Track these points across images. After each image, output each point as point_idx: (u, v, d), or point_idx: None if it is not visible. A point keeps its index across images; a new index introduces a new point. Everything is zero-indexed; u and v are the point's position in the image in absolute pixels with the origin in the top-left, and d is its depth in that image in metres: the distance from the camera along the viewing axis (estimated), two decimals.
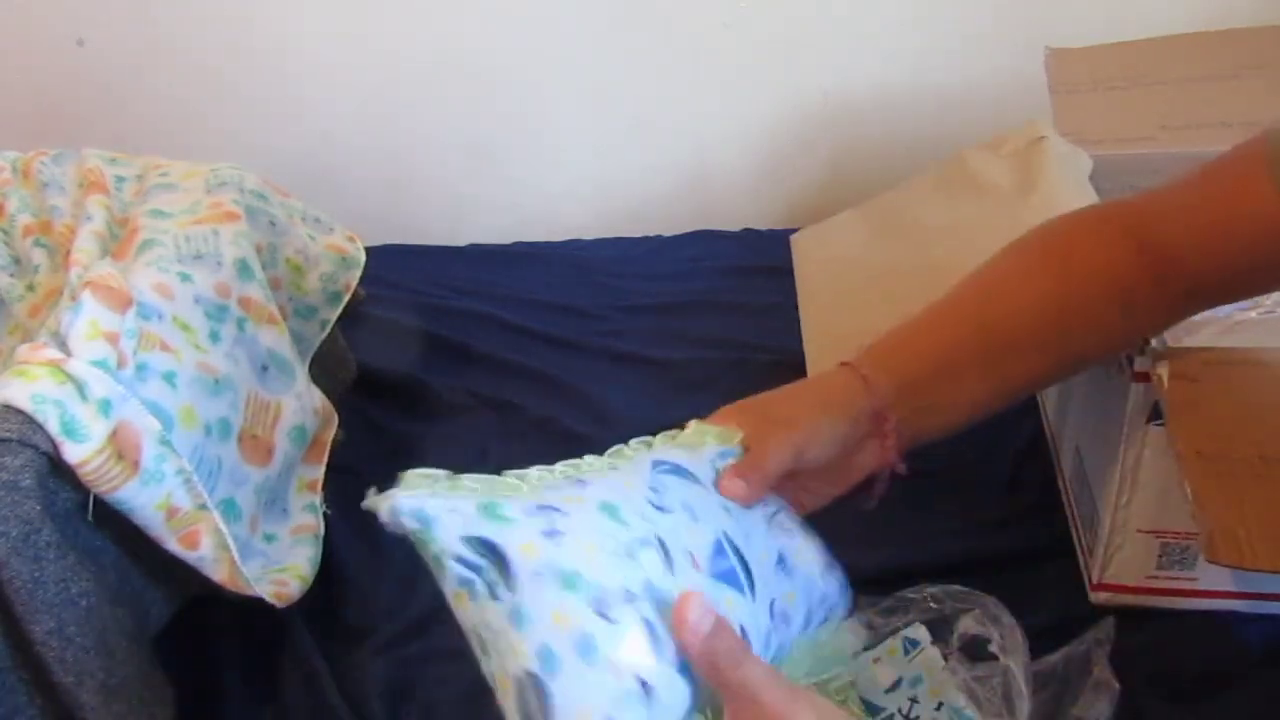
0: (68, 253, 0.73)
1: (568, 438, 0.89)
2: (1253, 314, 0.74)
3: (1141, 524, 0.68)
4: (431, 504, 0.45)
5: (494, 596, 0.43)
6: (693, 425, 0.56)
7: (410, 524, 0.45)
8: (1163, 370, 0.63)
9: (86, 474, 0.59)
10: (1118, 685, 0.61)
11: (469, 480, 0.48)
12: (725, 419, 0.57)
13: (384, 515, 0.45)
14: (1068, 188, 0.78)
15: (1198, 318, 0.75)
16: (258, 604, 0.68)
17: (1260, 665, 0.67)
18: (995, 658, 0.64)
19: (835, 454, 0.57)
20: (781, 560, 0.55)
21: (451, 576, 0.44)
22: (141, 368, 0.64)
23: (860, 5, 1.15)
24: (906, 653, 0.64)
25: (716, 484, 0.53)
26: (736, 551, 0.51)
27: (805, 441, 0.56)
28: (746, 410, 0.58)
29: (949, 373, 0.60)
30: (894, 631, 0.66)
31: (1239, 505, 0.57)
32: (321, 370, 0.85)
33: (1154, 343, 0.64)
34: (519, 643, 0.43)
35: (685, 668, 0.44)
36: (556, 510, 0.46)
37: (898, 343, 0.62)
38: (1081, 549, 0.74)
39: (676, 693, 0.44)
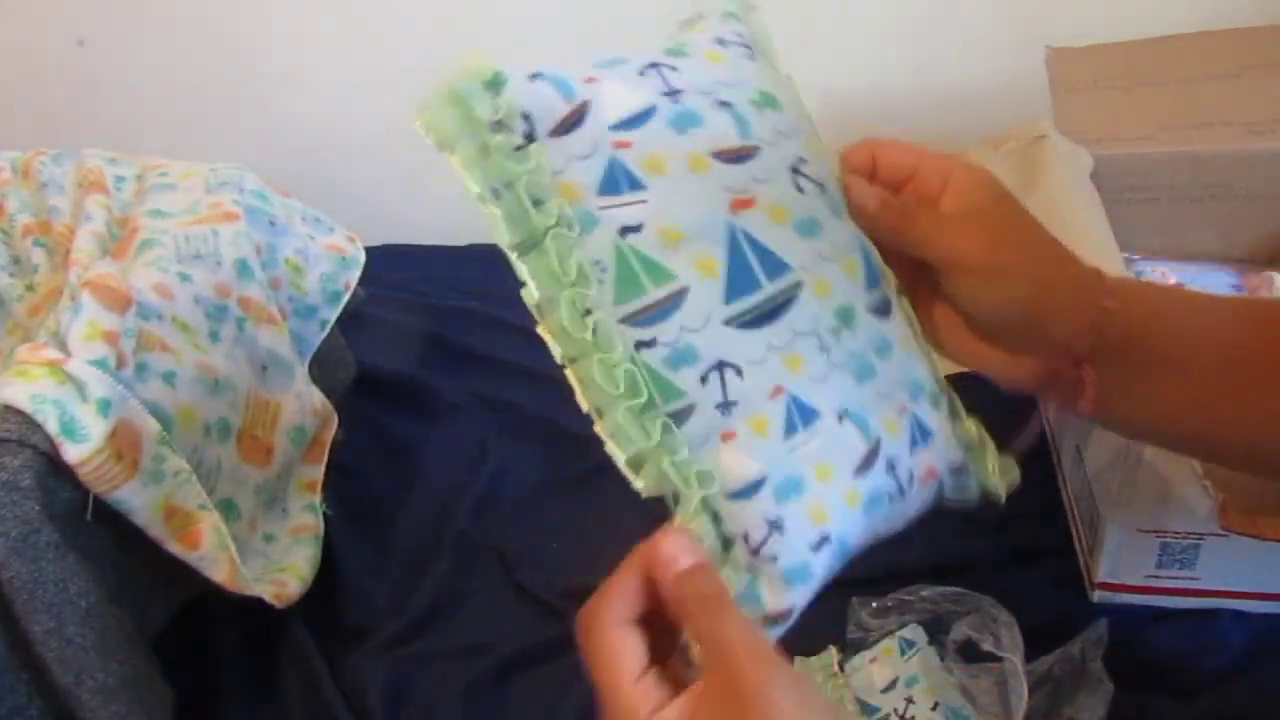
0: (67, 253, 0.73)
1: (567, 438, 0.89)
2: None
3: (1142, 523, 0.68)
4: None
5: None
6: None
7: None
8: None
9: (86, 474, 0.59)
10: (1111, 685, 0.62)
11: None
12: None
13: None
14: (1068, 186, 0.78)
15: None
16: (257, 604, 0.68)
17: (1259, 664, 0.67)
18: (991, 657, 0.64)
19: (1012, 297, 0.46)
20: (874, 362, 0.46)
21: None
22: (141, 368, 0.64)
23: (860, 5, 1.15)
24: (903, 653, 0.64)
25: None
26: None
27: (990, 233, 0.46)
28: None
29: (1205, 338, 0.48)
30: (890, 632, 0.66)
31: (1248, 480, 0.58)
32: (321, 370, 0.85)
33: None
34: None
35: None
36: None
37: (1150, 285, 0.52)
38: (1082, 548, 0.74)
39: None
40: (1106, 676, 0.62)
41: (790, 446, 0.43)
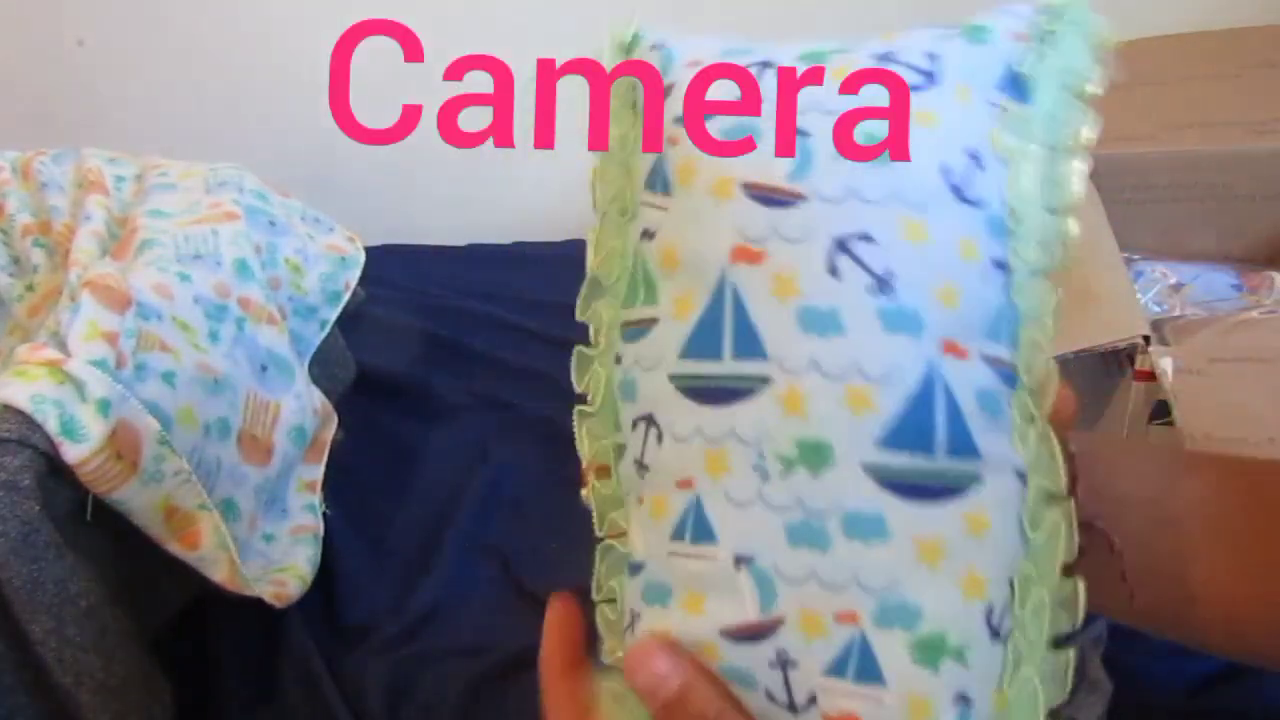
0: (67, 253, 0.73)
1: (567, 438, 0.89)
2: (1253, 313, 0.74)
3: None
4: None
5: None
6: None
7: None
8: (1167, 364, 0.63)
9: (85, 474, 0.59)
10: (1111, 685, 0.61)
11: None
12: None
13: None
14: None
15: (1198, 319, 0.76)
16: (257, 604, 0.68)
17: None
18: None
19: None
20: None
21: None
22: (140, 368, 0.64)
23: (860, 5, 1.15)
24: None
25: None
26: None
27: None
28: None
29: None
30: None
31: None
32: (321, 370, 0.85)
33: (1156, 339, 0.64)
34: None
35: None
36: None
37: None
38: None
39: None
40: (1106, 676, 0.62)
41: (671, 550, 0.35)
